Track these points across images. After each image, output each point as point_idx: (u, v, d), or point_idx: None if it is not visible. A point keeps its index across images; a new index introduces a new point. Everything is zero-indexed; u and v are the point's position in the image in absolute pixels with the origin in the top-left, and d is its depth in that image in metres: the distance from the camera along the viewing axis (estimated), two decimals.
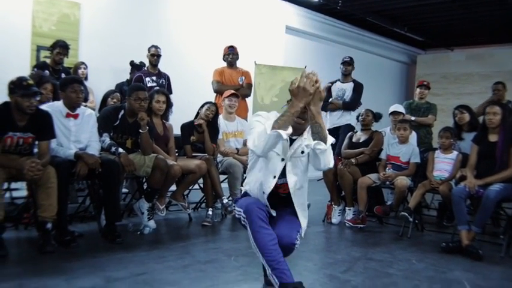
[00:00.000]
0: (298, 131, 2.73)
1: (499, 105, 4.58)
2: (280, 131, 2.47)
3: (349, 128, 6.40)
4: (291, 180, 2.76)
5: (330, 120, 6.69)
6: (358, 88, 6.67)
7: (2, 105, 3.64)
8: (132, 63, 6.51)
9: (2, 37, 5.76)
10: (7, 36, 5.85)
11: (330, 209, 5.43)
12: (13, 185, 4.55)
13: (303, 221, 2.80)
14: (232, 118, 5.68)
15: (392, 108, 6.08)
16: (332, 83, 6.79)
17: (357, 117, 5.79)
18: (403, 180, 4.99)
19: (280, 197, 2.79)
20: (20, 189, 5.03)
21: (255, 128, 2.63)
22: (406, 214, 4.74)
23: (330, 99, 6.64)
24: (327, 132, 2.63)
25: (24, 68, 5.48)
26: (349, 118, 6.61)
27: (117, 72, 6.71)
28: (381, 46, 12.02)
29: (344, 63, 6.75)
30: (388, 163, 5.31)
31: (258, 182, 2.77)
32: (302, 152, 2.77)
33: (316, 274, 3.35)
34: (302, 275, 3.30)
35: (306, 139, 2.75)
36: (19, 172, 3.53)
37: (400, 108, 6.11)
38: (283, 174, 2.76)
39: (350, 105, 6.60)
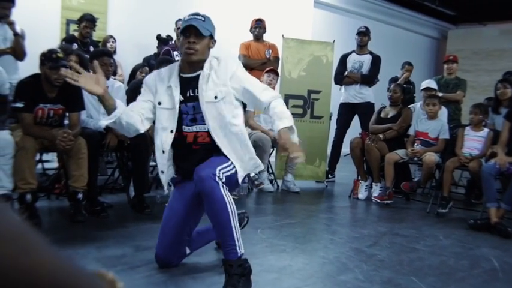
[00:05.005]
0: (195, 66, 2.61)
1: None
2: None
3: (369, 107, 6.21)
4: (210, 127, 2.55)
5: (345, 95, 6.35)
6: (377, 61, 6.28)
7: (32, 77, 3.70)
8: (158, 37, 6.52)
9: (33, 11, 5.83)
10: (38, 10, 5.92)
11: (357, 184, 5.41)
12: (45, 157, 4.66)
13: (238, 164, 2.56)
14: None
15: (424, 84, 5.94)
16: (346, 55, 6.40)
17: (388, 89, 5.68)
18: (431, 157, 4.93)
19: (204, 148, 2.59)
20: (51, 161, 5.15)
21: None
22: (444, 211, 4.70)
23: (346, 72, 6.28)
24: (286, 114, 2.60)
25: (54, 41, 5.54)
26: (368, 94, 6.29)
27: (145, 46, 6.74)
28: (410, 20, 11.77)
29: (360, 33, 6.32)
30: (417, 139, 5.25)
31: (158, 140, 2.66)
32: (215, 97, 2.56)
33: (342, 247, 3.36)
34: (328, 248, 3.33)
35: (211, 75, 2.59)
36: (51, 143, 3.61)
37: (433, 84, 5.95)
38: (194, 120, 2.59)
39: (369, 78, 6.25)
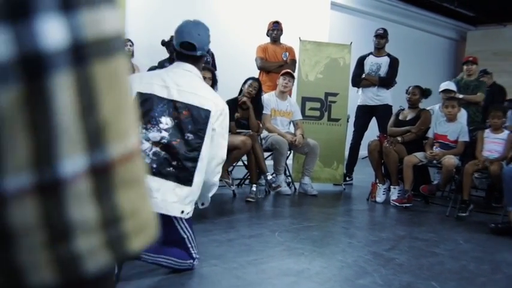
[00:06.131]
0: None
1: None
2: None
3: (387, 109, 6.15)
4: None
5: (363, 98, 6.32)
6: (395, 63, 6.21)
7: None
8: (163, 43, 6.38)
9: None
10: None
11: (375, 187, 5.37)
12: None
13: None
14: (284, 97, 5.69)
15: (443, 86, 5.86)
16: (364, 57, 6.35)
17: (406, 91, 5.61)
18: (450, 159, 4.87)
19: None
20: None
21: None
22: (463, 215, 4.62)
23: (364, 75, 6.25)
24: None
25: None
26: (386, 96, 6.23)
27: (163, 49, 6.77)
28: (428, 22, 11.66)
29: (377, 35, 6.26)
30: (436, 142, 5.19)
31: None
32: None
33: (360, 251, 3.34)
34: (346, 252, 3.30)
35: None
36: None
37: (452, 86, 5.87)
38: None
39: (387, 81, 6.18)
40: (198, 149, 2.51)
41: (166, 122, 2.45)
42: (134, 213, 0.33)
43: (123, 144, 0.33)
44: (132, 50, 6.22)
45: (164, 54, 6.62)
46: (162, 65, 6.22)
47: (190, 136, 2.50)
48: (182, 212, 2.49)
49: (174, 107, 2.49)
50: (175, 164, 2.45)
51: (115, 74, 0.34)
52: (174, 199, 2.43)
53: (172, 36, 6.35)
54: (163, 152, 2.43)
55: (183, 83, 2.59)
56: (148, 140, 2.42)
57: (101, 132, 0.32)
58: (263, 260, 3.02)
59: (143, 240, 0.33)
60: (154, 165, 2.39)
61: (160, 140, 2.44)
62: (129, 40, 6.23)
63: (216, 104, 2.64)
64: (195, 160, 2.49)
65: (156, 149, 2.42)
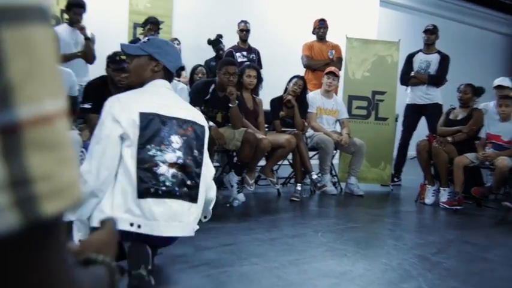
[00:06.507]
0: None
1: None
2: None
3: (437, 108, 5.93)
4: None
5: (411, 96, 6.13)
6: (445, 61, 5.99)
7: (99, 79, 3.85)
8: (210, 42, 6.36)
9: (102, 15, 6.05)
10: (107, 15, 6.15)
11: (424, 188, 5.21)
12: None
13: None
14: (330, 95, 5.64)
15: (497, 82, 5.61)
16: (412, 54, 6.16)
17: (458, 89, 5.41)
18: (504, 161, 4.66)
19: None
20: None
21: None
22: (508, 204, 4.41)
23: (412, 73, 6.05)
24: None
25: None
26: (436, 95, 6.03)
27: (209, 48, 6.82)
28: (482, 17, 11.26)
29: (426, 31, 6.06)
30: (488, 142, 4.98)
31: None
32: None
33: (406, 254, 3.24)
34: (391, 254, 3.22)
35: None
36: None
37: (507, 81, 5.61)
38: None
39: (437, 79, 5.97)
40: (201, 164, 2.43)
41: (176, 140, 2.33)
42: (48, 177, 0.33)
43: (34, 107, 0.34)
44: (179, 49, 6.27)
45: (210, 53, 6.68)
46: (208, 64, 6.27)
47: (196, 152, 2.41)
48: (195, 230, 2.48)
49: (178, 124, 2.39)
50: (189, 183, 2.35)
51: (28, 41, 0.35)
52: (192, 219, 2.41)
53: (218, 35, 6.43)
54: (179, 173, 2.32)
55: (176, 100, 2.52)
56: (164, 162, 2.28)
57: (8, 94, 0.33)
58: (305, 260, 2.98)
59: (59, 204, 0.34)
60: (176, 188, 2.30)
61: (176, 161, 2.32)
62: (176, 39, 6.31)
63: (204, 119, 2.61)
64: (199, 176, 2.42)
65: (173, 170, 2.30)
